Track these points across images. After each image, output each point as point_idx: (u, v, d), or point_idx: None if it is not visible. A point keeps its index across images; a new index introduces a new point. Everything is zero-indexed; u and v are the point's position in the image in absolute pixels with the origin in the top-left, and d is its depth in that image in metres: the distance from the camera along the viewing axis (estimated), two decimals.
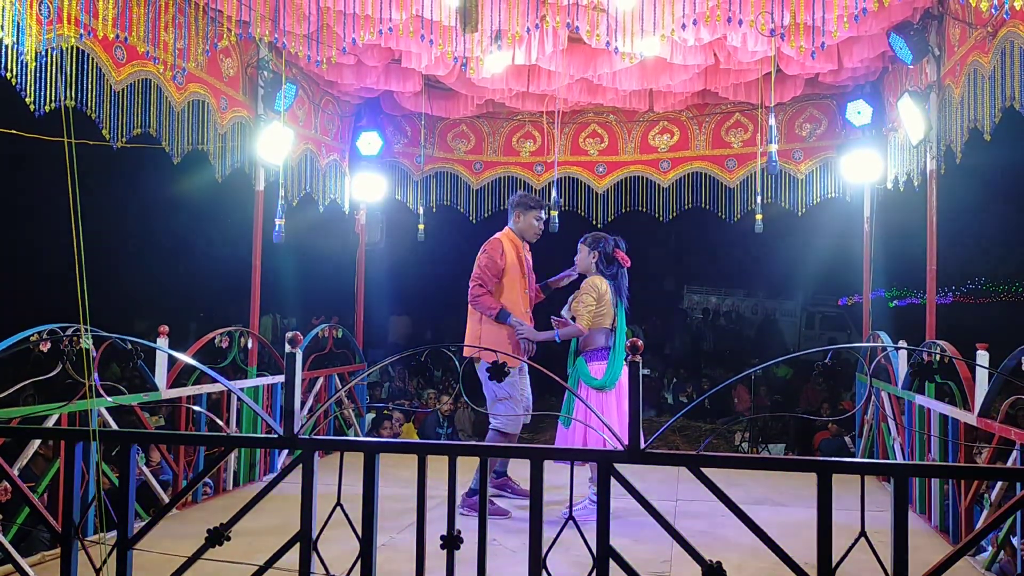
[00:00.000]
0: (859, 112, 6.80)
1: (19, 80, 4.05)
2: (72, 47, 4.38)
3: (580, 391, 4.98)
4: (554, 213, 6.90)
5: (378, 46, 6.06)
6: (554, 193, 7.09)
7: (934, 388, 5.29)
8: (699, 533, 4.58)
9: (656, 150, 8.05)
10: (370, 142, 7.73)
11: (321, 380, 7.02)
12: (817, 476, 2.52)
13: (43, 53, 4.13)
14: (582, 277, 5.27)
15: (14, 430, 3.87)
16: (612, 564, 2.61)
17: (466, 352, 5.08)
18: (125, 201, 15.24)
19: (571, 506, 2.73)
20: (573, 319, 5.10)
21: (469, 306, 5.25)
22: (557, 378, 3.05)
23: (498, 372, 2.77)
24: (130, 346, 3.51)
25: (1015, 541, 4.06)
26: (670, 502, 5.37)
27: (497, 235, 5.38)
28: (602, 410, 4.86)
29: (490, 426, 5.19)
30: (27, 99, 4.12)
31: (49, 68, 4.20)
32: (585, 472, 5.23)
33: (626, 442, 2.65)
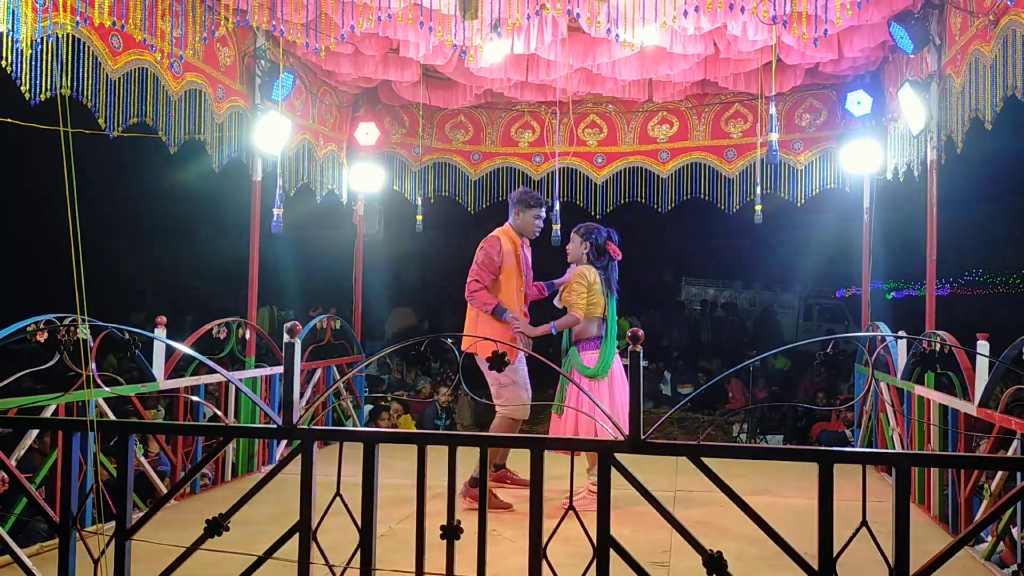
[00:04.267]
0: (859, 102, 6.77)
1: (14, 68, 4.02)
2: (68, 35, 4.35)
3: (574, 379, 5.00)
4: (556, 227, 6.91)
5: (376, 35, 6.02)
6: (557, 206, 7.08)
7: (933, 378, 5.29)
8: (699, 523, 4.57)
9: (655, 140, 8.03)
10: (368, 132, 7.69)
11: (319, 371, 7.01)
12: (818, 466, 2.51)
13: (39, 41, 4.10)
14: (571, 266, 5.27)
15: (12, 420, 3.85)
16: (613, 554, 2.60)
17: (464, 347, 5.04)
18: (122, 191, 15.19)
19: (571, 496, 2.72)
20: (564, 309, 5.13)
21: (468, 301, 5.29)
22: (552, 364, 3.04)
23: (498, 362, 2.76)
24: (127, 336, 3.49)
25: (1014, 531, 4.06)
26: (669, 492, 5.37)
27: (496, 232, 5.38)
28: (596, 391, 4.92)
29: (498, 413, 5.22)
30: (22, 87, 4.09)
31: (45, 56, 4.17)
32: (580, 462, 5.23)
33: (625, 431, 2.65)
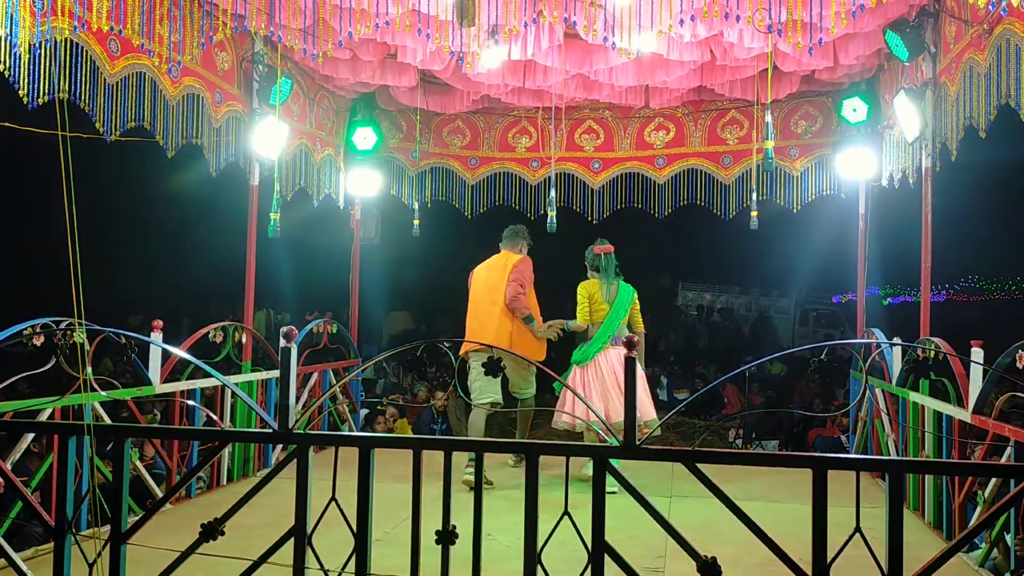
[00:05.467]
0: (854, 109, 6.81)
1: (12, 72, 4.02)
2: (66, 39, 4.35)
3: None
4: (552, 214, 6.92)
5: (374, 40, 6.05)
6: (552, 193, 7.08)
7: (928, 385, 5.31)
8: (693, 529, 4.57)
9: (652, 146, 8.05)
10: (365, 137, 7.71)
11: (315, 375, 7.00)
12: (812, 472, 2.52)
13: (36, 45, 4.10)
14: None
15: (7, 424, 3.85)
16: (607, 559, 2.61)
17: (495, 343, 5.69)
18: (119, 195, 15.17)
19: (566, 500, 2.73)
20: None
21: (498, 309, 5.99)
22: (550, 372, 3.07)
23: (494, 367, 2.80)
24: (124, 340, 3.49)
25: (1008, 538, 4.07)
26: (664, 498, 5.37)
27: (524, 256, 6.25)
28: (580, 383, 5.96)
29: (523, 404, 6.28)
30: (20, 92, 4.09)
31: (43, 60, 4.17)
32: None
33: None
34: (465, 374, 6.11)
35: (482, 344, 5.35)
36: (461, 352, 6.03)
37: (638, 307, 6.23)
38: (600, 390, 5.91)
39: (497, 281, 6.04)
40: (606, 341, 6.00)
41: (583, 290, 6.08)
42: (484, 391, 5.92)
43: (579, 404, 5.74)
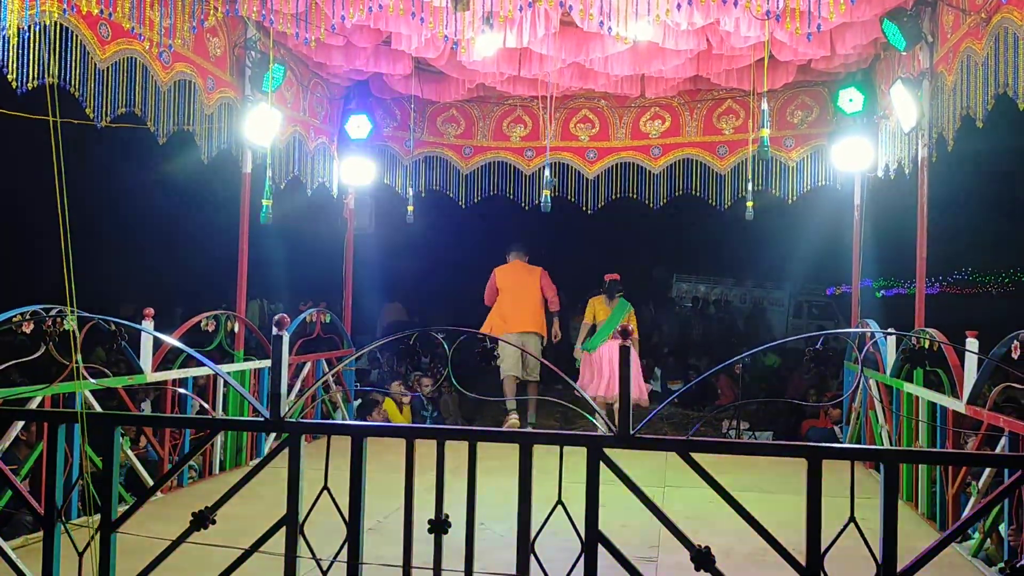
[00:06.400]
0: (851, 99, 6.78)
1: (1, 57, 3.97)
2: (55, 23, 4.30)
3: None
4: (547, 193, 6.88)
5: (368, 27, 5.99)
6: (547, 173, 7.03)
7: (922, 376, 5.30)
8: (687, 519, 4.58)
9: (647, 136, 8.02)
10: (359, 125, 7.66)
11: (308, 365, 6.97)
12: (807, 461, 2.51)
13: (26, 29, 4.05)
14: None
15: None
16: (601, 548, 2.59)
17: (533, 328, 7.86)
18: (109, 181, 15.06)
19: (560, 490, 2.71)
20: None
21: (536, 303, 7.87)
22: (556, 369, 3.09)
23: (488, 355, 2.79)
24: (114, 328, 3.45)
25: (1001, 529, 4.08)
26: (658, 488, 5.37)
27: None
28: (588, 364, 7.82)
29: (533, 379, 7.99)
30: (9, 76, 4.04)
31: (32, 45, 4.12)
32: None
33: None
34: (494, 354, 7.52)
35: (513, 345, 7.06)
36: (504, 332, 7.61)
37: (633, 319, 7.78)
38: (601, 369, 7.61)
39: (530, 282, 7.95)
40: (607, 335, 7.66)
41: (590, 304, 7.98)
42: (509, 360, 7.74)
43: (588, 384, 7.63)
